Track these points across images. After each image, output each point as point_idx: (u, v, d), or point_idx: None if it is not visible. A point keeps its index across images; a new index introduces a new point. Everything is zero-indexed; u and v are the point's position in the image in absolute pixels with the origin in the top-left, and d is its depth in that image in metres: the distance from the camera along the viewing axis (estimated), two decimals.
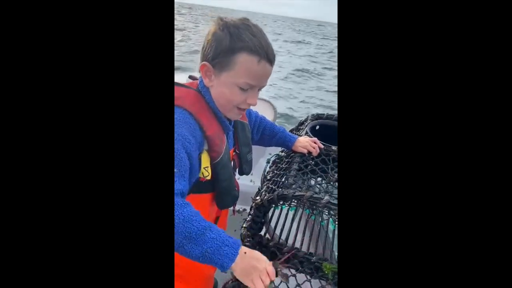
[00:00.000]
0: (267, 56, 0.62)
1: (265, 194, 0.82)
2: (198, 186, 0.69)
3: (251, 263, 0.56)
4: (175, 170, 0.58)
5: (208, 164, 0.68)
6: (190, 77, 0.76)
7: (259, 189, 0.94)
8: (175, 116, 0.62)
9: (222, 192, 0.72)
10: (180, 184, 0.59)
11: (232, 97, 0.65)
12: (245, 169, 0.84)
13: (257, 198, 0.86)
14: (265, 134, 0.95)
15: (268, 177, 0.94)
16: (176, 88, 0.68)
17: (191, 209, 0.56)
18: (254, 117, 0.93)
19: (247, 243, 0.84)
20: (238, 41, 0.60)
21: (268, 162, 1.04)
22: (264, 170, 0.99)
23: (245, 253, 0.56)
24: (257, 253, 0.59)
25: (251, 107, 0.87)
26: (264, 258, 0.59)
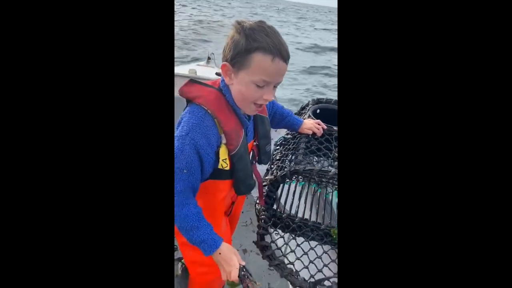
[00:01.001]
0: (281, 54, 0.67)
1: (277, 172, 0.92)
2: (219, 174, 0.79)
3: (221, 262, 0.75)
4: (184, 171, 0.70)
5: (226, 156, 0.77)
6: (217, 73, 0.83)
7: (267, 170, 1.03)
8: (192, 120, 0.71)
9: (238, 180, 0.82)
10: (189, 182, 0.72)
11: (248, 93, 0.71)
12: (263, 160, 0.93)
13: (268, 177, 0.95)
14: (276, 117, 1.03)
15: (277, 157, 1.03)
16: (199, 87, 0.76)
17: (190, 209, 0.73)
18: (269, 103, 1.00)
19: (263, 216, 0.94)
20: (253, 41, 0.66)
21: (275, 144, 1.13)
22: (271, 152, 1.08)
23: (219, 253, 0.74)
24: (229, 258, 0.75)
25: None
26: (234, 263, 0.75)
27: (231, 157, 0.76)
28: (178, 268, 1.24)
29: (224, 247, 0.75)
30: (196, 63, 2.71)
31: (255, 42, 0.66)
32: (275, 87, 0.74)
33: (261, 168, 0.95)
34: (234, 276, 0.73)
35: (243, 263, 0.75)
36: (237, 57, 0.68)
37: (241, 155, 0.78)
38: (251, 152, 0.87)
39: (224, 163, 0.76)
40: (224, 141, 0.75)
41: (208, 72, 2.46)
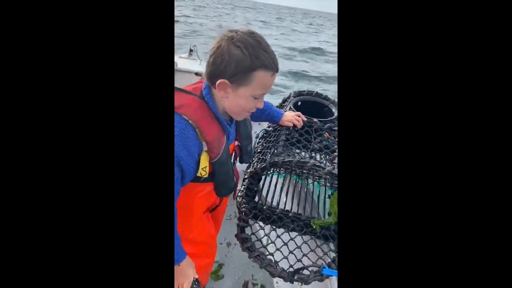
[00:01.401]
0: (277, 68, 0.72)
1: (257, 164, 0.92)
2: (197, 179, 0.79)
3: (177, 273, 0.79)
4: None
5: (207, 164, 0.77)
6: (197, 74, 0.81)
7: (250, 162, 1.03)
8: (175, 129, 0.69)
9: (219, 184, 0.82)
10: None
11: (247, 106, 0.74)
12: (245, 159, 0.94)
13: (249, 170, 0.95)
14: (256, 111, 1.03)
15: (259, 150, 1.03)
16: (181, 95, 0.74)
17: None
18: None
19: (244, 209, 0.94)
20: (256, 60, 0.67)
21: (256, 137, 1.12)
22: (253, 145, 1.08)
23: (178, 265, 0.79)
24: (186, 271, 0.80)
25: None
26: (189, 276, 0.81)
27: (212, 164, 0.77)
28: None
29: (184, 261, 0.79)
30: (178, 55, 2.64)
31: (258, 60, 0.68)
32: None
33: (242, 167, 0.95)
34: (186, 287, 0.79)
35: (197, 276, 0.82)
36: (238, 74, 0.68)
37: (222, 162, 0.78)
38: (233, 153, 0.87)
39: (203, 171, 0.77)
40: (205, 148, 0.75)
41: (190, 64, 2.41)
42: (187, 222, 0.89)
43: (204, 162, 0.75)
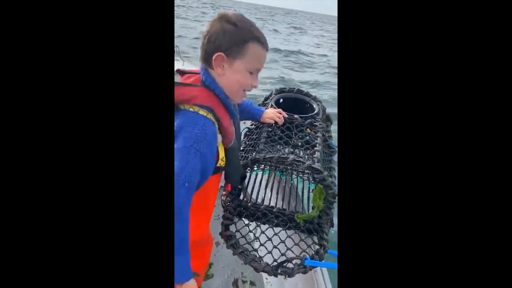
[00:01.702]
0: (267, 46, 0.76)
1: (241, 162, 0.92)
2: (217, 170, 0.79)
3: None
4: (186, 184, 0.66)
5: (223, 154, 0.78)
6: (178, 71, 0.82)
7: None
8: (195, 130, 0.68)
9: (234, 170, 0.84)
10: (188, 196, 0.68)
11: (244, 81, 0.75)
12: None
13: None
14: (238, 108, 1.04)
15: (242, 148, 1.04)
16: (188, 89, 0.74)
17: (181, 229, 0.68)
18: None
19: (228, 207, 0.95)
20: (249, 32, 0.71)
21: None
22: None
23: (181, 284, 0.71)
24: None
25: None
26: None
27: (227, 150, 0.79)
28: None
29: (190, 281, 0.72)
30: None
31: (250, 33, 0.71)
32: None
33: None
34: None
35: None
36: (233, 46, 0.71)
37: (234, 147, 0.81)
38: None
39: (222, 162, 0.78)
40: (220, 140, 0.76)
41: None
42: (204, 220, 0.90)
43: (222, 152, 0.77)
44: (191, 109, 0.72)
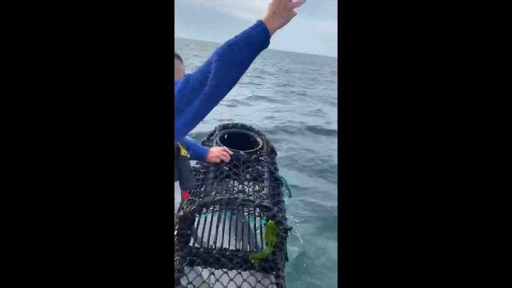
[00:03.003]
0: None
1: (187, 207, 0.87)
2: None
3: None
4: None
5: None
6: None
7: (180, 204, 0.98)
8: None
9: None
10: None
11: None
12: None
13: (179, 212, 0.90)
14: None
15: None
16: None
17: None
18: None
19: (177, 257, 0.87)
20: None
21: None
22: None
23: (274, 12, 0.63)
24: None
25: None
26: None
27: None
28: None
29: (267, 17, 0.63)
30: None
31: None
32: None
33: None
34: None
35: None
36: None
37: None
38: None
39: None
40: None
41: None
42: None
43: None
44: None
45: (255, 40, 0.60)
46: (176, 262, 0.87)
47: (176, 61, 0.78)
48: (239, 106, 6.73)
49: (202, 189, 0.93)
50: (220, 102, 0.65)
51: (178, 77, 0.73)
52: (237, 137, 1.22)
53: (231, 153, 1.04)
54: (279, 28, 0.64)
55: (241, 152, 1.06)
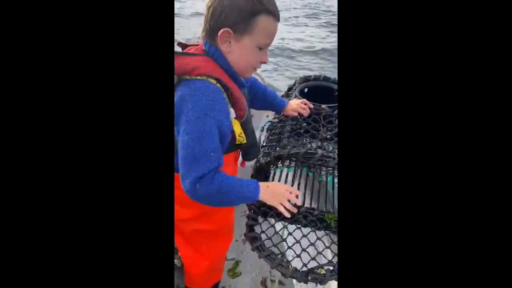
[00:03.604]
0: (279, 15, 0.67)
1: (262, 159, 0.86)
2: (237, 147, 0.77)
3: (275, 191, 0.72)
4: (211, 154, 0.65)
5: (241, 129, 0.74)
6: (179, 44, 0.77)
7: (257, 158, 0.97)
8: (204, 98, 0.64)
9: (249, 145, 0.79)
10: (216, 162, 0.66)
11: (252, 58, 0.69)
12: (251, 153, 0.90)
13: (256, 164, 0.90)
14: (258, 96, 0.96)
15: (264, 144, 0.97)
16: (191, 58, 0.69)
17: (222, 178, 0.68)
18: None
19: (252, 206, 0.89)
20: (259, 4, 0.63)
21: (262, 130, 1.06)
22: (259, 138, 1.02)
23: (267, 186, 0.72)
24: (276, 184, 0.75)
25: None
26: (283, 185, 0.74)
27: (242, 125, 0.74)
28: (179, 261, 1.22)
29: (264, 184, 0.72)
30: None
31: (261, 4, 0.63)
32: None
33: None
34: (293, 190, 0.73)
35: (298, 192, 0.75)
36: (241, 22, 0.64)
37: (247, 119, 0.76)
38: None
39: (241, 138, 0.74)
40: (233, 115, 0.71)
41: None
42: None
43: (238, 128, 0.73)
44: (199, 77, 0.66)
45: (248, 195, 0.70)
46: (251, 211, 0.90)
47: (275, 22, 0.68)
48: None
49: (279, 142, 0.89)
50: None
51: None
52: (319, 90, 1.10)
53: (312, 106, 0.95)
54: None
55: (323, 106, 0.95)
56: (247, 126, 0.77)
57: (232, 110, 0.71)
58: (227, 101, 0.69)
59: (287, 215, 0.73)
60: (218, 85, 0.67)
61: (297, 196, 0.73)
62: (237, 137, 0.73)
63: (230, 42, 0.67)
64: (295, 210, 0.73)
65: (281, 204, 0.71)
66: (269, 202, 0.72)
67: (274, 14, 0.66)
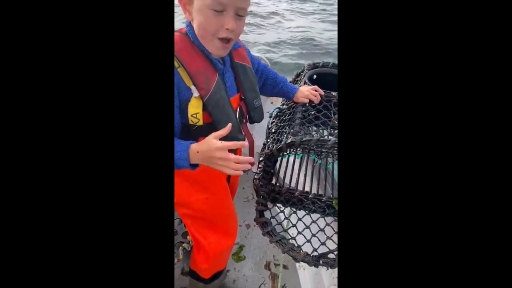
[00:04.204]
0: None
1: (273, 145, 0.86)
2: (196, 132, 0.69)
3: (206, 153, 0.60)
4: None
5: (199, 110, 0.68)
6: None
7: (264, 144, 0.97)
8: None
9: (220, 127, 0.69)
10: None
11: (207, 22, 0.63)
12: (253, 116, 0.83)
13: (264, 151, 0.89)
14: (267, 83, 0.95)
15: (273, 130, 0.97)
16: None
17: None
18: (257, 63, 0.92)
19: (261, 192, 0.90)
20: None
21: (270, 116, 1.06)
22: (268, 125, 1.01)
23: (197, 152, 0.61)
24: (206, 141, 0.62)
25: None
26: (213, 144, 0.60)
27: (205, 105, 0.68)
28: (179, 253, 1.24)
29: (195, 144, 0.63)
30: None
31: None
32: (240, 15, 0.65)
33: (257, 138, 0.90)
34: (226, 145, 0.60)
35: (225, 132, 0.62)
36: None
37: (217, 103, 0.69)
38: (238, 109, 0.80)
39: (194, 118, 0.68)
40: (195, 93, 0.67)
41: None
42: (212, 189, 0.86)
43: (195, 108, 0.67)
44: None
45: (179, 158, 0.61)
46: (260, 197, 0.90)
47: None
48: None
49: (289, 128, 0.88)
50: None
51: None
52: (328, 77, 1.09)
53: (322, 93, 0.94)
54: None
55: (333, 93, 0.95)
56: (217, 109, 0.69)
57: (193, 88, 0.66)
58: (181, 77, 0.66)
59: (235, 173, 0.61)
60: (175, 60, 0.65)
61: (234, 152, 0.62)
62: (189, 117, 0.67)
63: (188, 8, 0.66)
64: (247, 167, 0.61)
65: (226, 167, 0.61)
66: (209, 166, 0.62)
67: None
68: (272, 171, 0.92)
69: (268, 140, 0.94)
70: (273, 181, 0.95)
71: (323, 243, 0.80)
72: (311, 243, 0.81)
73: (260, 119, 0.86)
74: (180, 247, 1.25)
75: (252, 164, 0.62)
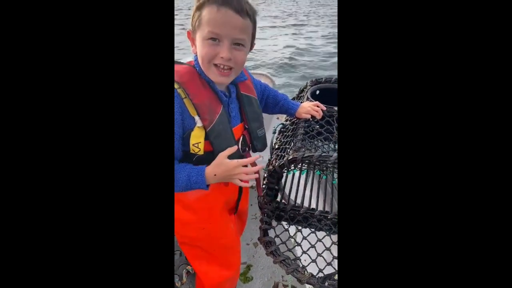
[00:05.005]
0: (228, 3, 0.63)
1: (275, 162, 0.85)
2: (198, 161, 0.72)
3: (225, 173, 0.70)
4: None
5: (201, 140, 0.70)
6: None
7: (269, 160, 0.97)
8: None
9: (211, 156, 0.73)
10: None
11: (203, 51, 0.68)
12: (256, 145, 0.85)
13: (268, 167, 0.89)
14: (269, 102, 0.96)
15: (276, 146, 0.96)
16: (177, 66, 0.73)
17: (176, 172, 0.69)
18: (258, 85, 0.94)
19: (265, 210, 0.88)
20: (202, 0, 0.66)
21: (274, 132, 1.06)
22: (271, 141, 1.01)
23: (215, 175, 0.70)
24: (221, 163, 0.70)
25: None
26: (230, 165, 0.70)
27: (208, 135, 0.70)
28: (183, 276, 1.22)
29: (210, 167, 0.70)
30: None
31: None
32: (237, 44, 0.68)
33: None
34: (244, 162, 0.70)
35: (232, 151, 0.73)
36: (195, 19, 0.68)
37: (219, 133, 0.71)
38: (241, 138, 0.81)
39: (195, 148, 0.70)
40: (199, 123, 0.69)
41: None
42: (208, 219, 0.85)
43: (197, 137, 0.70)
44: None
45: (196, 181, 0.69)
46: (264, 215, 0.89)
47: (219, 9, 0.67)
48: None
49: (292, 144, 0.88)
50: None
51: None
52: (331, 93, 1.09)
53: (324, 108, 0.94)
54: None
55: (335, 108, 0.94)
56: (220, 139, 0.72)
57: (197, 118, 0.69)
58: (186, 107, 0.69)
59: (245, 185, 0.72)
60: (180, 90, 0.68)
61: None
62: (191, 147, 0.70)
63: (193, 42, 0.72)
64: (255, 176, 0.74)
65: (236, 176, 0.70)
66: (226, 178, 0.71)
67: (217, 2, 0.63)
68: (276, 187, 0.91)
69: (272, 156, 0.93)
70: (278, 198, 0.93)
71: (329, 263, 0.77)
72: (316, 263, 0.77)
73: (263, 147, 0.88)
74: (184, 270, 1.23)
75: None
